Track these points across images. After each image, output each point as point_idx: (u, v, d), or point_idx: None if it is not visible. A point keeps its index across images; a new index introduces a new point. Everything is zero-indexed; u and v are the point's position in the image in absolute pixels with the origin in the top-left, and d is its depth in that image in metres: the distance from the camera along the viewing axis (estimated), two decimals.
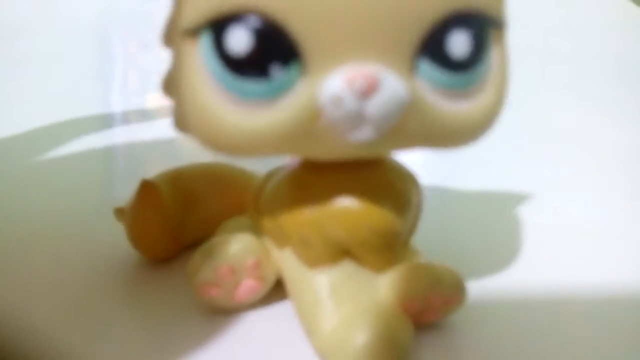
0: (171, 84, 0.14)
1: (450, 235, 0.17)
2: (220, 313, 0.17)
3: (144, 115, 0.37)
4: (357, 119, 0.13)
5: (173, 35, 0.14)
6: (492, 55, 0.14)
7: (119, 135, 0.34)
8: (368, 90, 0.12)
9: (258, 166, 0.19)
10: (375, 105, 0.12)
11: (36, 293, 0.18)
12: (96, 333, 0.17)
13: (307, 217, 0.15)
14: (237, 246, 0.16)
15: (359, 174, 0.15)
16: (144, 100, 0.40)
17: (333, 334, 0.15)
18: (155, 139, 0.33)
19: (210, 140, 0.14)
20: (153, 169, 0.27)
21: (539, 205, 0.23)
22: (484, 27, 0.13)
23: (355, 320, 0.14)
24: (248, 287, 0.17)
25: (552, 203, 0.24)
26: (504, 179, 0.26)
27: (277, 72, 0.13)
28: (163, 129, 0.34)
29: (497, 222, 0.22)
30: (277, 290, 0.17)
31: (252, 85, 0.13)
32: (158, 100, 0.39)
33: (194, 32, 0.13)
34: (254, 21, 0.12)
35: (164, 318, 0.17)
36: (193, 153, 0.29)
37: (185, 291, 0.17)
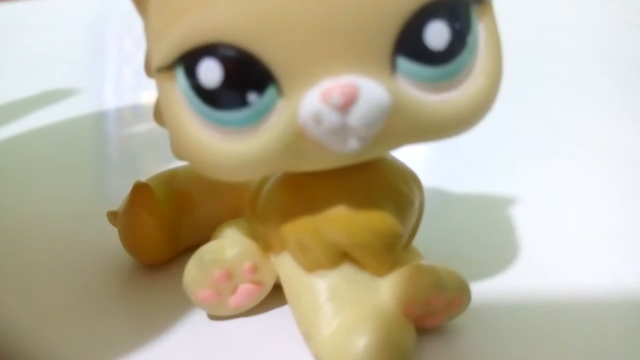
0: (160, 114, 0.14)
1: (451, 236, 0.16)
2: (216, 318, 0.17)
3: (138, 113, 0.37)
4: (341, 132, 0.12)
5: (151, 68, 0.14)
6: (479, 34, 0.13)
7: (113, 134, 0.34)
8: (346, 103, 0.12)
9: None
10: (358, 116, 0.12)
11: (27, 297, 0.18)
12: (89, 338, 0.16)
13: (304, 220, 0.15)
14: (234, 250, 0.16)
15: (357, 174, 0.15)
16: (138, 98, 0.39)
17: (332, 338, 0.14)
18: (150, 137, 0.32)
19: (202, 169, 0.14)
20: (148, 169, 0.27)
21: (541, 205, 0.23)
22: (464, 10, 0.13)
23: (355, 325, 0.14)
24: (245, 292, 0.16)
25: (554, 203, 0.23)
26: (504, 179, 0.25)
27: (254, 99, 0.12)
28: (158, 127, 0.34)
29: (498, 224, 0.22)
30: (274, 295, 0.17)
31: (232, 115, 0.13)
32: (153, 98, 0.39)
33: (167, 69, 0.13)
34: (221, 52, 0.12)
35: (159, 323, 0.17)
36: None
37: (180, 296, 0.17)
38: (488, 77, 0.13)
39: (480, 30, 0.13)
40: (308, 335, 0.15)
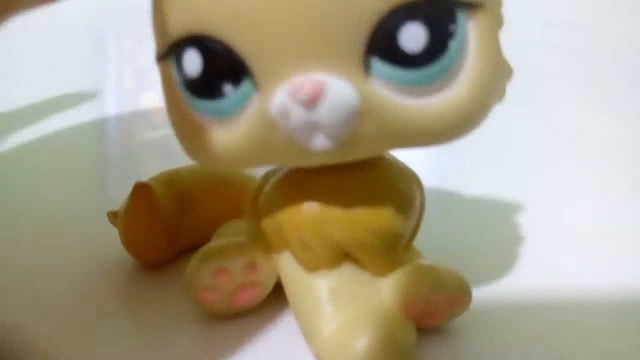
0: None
1: (452, 237, 0.16)
2: (217, 319, 0.17)
3: (139, 114, 0.37)
4: (308, 128, 0.12)
5: None
6: (467, 40, 0.12)
7: (114, 136, 0.34)
8: (312, 100, 0.12)
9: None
10: (324, 113, 0.12)
11: (28, 297, 0.18)
12: (90, 338, 0.16)
13: (306, 218, 0.15)
14: (235, 250, 0.16)
15: (359, 174, 0.15)
16: (139, 100, 0.39)
17: (333, 338, 0.14)
18: (151, 139, 0.32)
19: (191, 155, 0.14)
20: (149, 170, 0.27)
21: (541, 206, 0.23)
22: (448, 13, 0.12)
23: (356, 324, 0.14)
24: (246, 291, 0.16)
25: (554, 203, 0.23)
26: (504, 180, 0.25)
27: (230, 90, 0.13)
28: (159, 128, 0.34)
29: (499, 224, 0.22)
30: (275, 296, 0.17)
31: (212, 104, 0.13)
32: (154, 99, 0.39)
33: (164, 57, 0.14)
34: (202, 43, 0.13)
35: (159, 324, 0.17)
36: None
37: (181, 297, 0.17)
38: (474, 86, 0.13)
39: (469, 36, 0.13)
40: (309, 335, 0.15)
